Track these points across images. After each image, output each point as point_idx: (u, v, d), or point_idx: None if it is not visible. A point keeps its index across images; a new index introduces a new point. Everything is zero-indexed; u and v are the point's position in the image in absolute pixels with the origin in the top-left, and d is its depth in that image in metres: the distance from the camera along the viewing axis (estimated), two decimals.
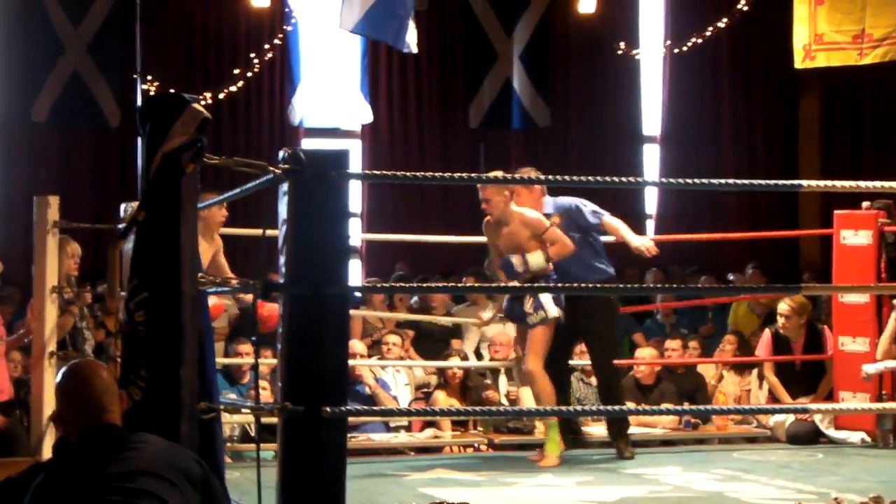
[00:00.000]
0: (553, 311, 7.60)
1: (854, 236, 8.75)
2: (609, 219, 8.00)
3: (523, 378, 8.05)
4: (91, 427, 3.45)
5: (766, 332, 9.27)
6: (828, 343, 9.05)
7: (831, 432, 8.71)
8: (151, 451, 3.40)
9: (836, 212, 8.97)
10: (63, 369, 3.59)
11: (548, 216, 7.71)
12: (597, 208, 7.99)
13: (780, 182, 5.11)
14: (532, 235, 7.63)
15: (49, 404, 7.10)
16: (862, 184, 4.97)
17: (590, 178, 4.82)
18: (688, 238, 12.21)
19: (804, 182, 5.13)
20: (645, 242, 7.99)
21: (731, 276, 13.34)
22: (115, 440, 3.44)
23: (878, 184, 5.13)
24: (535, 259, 7.61)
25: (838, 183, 4.99)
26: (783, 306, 9.06)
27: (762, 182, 5.07)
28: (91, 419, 3.46)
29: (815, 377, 9.07)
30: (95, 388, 3.49)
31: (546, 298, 7.63)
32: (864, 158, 15.36)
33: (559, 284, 7.65)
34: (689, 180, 4.97)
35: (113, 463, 3.37)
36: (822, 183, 5.12)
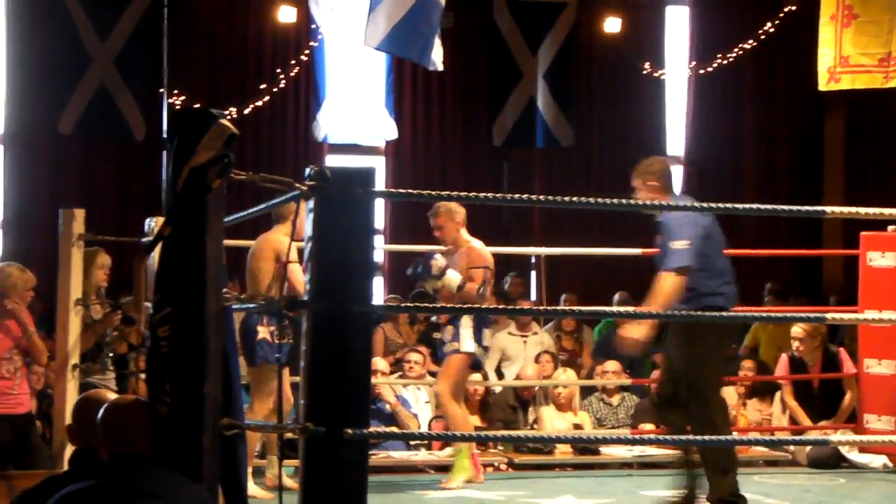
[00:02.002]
0: (468, 346, 7.66)
1: (881, 258, 8.74)
2: (666, 273, 6.56)
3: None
4: (119, 453, 3.79)
5: (783, 357, 9.28)
6: (844, 365, 9.05)
7: (853, 456, 8.68)
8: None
9: (862, 233, 8.96)
10: (106, 404, 3.94)
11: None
12: (682, 244, 6.52)
13: (804, 208, 5.05)
14: (467, 267, 7.68)
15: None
16: (886, 211, 4.95)
17: (612, 200, 4.81)
18: None
19: (828, 208, 5.07)
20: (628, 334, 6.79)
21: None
22: (141, 466, 3.78)
23: None
24: (453, 277, 7.62)
25: (862, 210, 4.95)
26: (797, 330, 9.06)
27: (785, 207, 5.01)
28: (120, 447, 3.81)
29: (833, 400, 9.06)
30: (126, 422, 3.85)
31: (465, 332, 7.66)
32: (889, 181, 15.30)
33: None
34: (711, 205, 4.96)
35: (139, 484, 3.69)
36: (846, 209, 5.07)
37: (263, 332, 7.46)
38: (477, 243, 7.85)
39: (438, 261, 7.67)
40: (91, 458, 3.96)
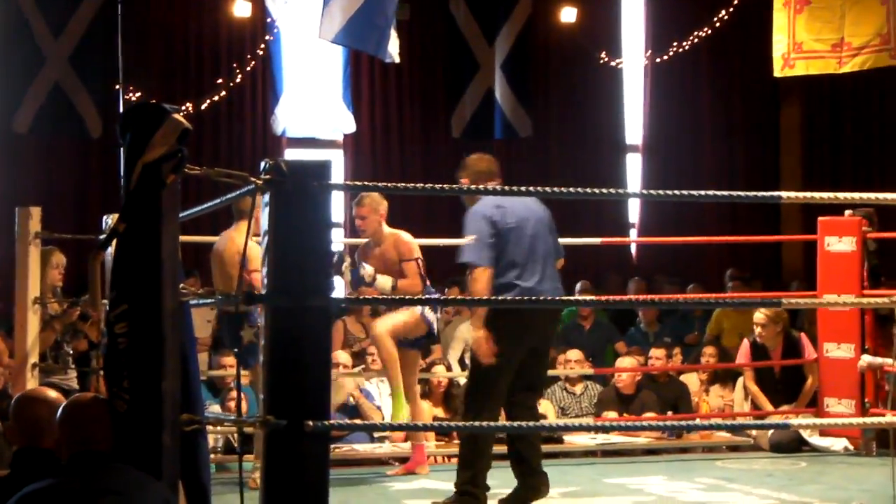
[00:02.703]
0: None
1: (838, 243, 8.79)
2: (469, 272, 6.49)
3: None
4: (80, 452, 3.78)
5: (745, 342, 9.32)
6: (805, 350, 9.10)
7: (814, 440, 8.74)
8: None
9: (819, 218, 9.01)
10: (66, 402, 3.94)
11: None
12: (468, 239, 6.49)
13: (760, 193, 5.10)
14: (398, 259, 7.62)
15: None
16: (841, 195, 4.99)
17: (571, 189, 4.83)
18: (671, 241, 12.23)
19: (783, 193, 5.12)
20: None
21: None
22: (102, 464, 3.76)
23: (857, 195, 5.13)
24: (384, 281, 7.56)
25: (817, 194, 5.00)
26: (759, 315, 9.10)
27: (742, 193, 5.05)
28: (80, 446, 3.79)
29: (794, 384, 9.12)
30: (86, 420, 3.84)
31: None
32: (846, 166, 15.42)
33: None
34: (670, 192, 4.98)
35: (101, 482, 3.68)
36: (801, 194, 5.12)
37: (248, 334, 7.34)
38: (405, 235, 7.75)
39: (367, 269, 7.58)
40: (34, 458, 3.93)
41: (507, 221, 6.50)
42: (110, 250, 4.13)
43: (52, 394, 4.16)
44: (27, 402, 4.12)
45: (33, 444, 3.96)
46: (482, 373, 6.46)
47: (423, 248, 7.96)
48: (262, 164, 4.10)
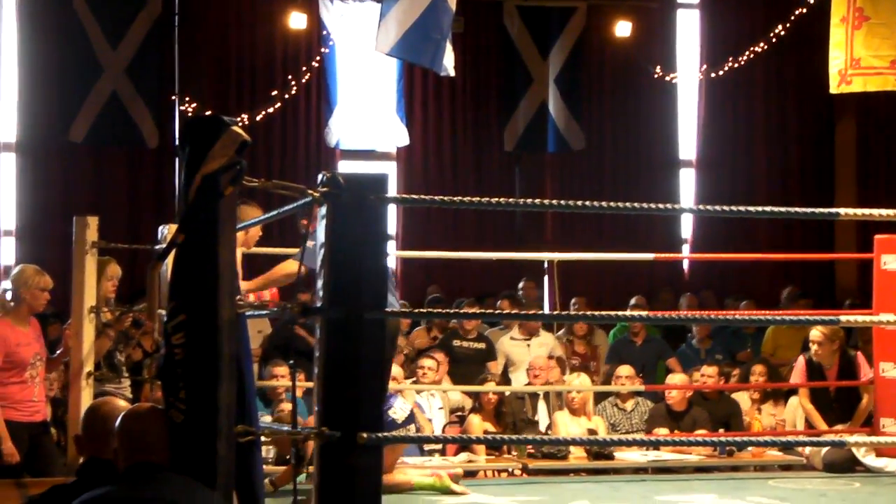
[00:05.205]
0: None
1: (895, 261, 8.70)
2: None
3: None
4: (137, 463, 3.77)
5: (800, 360, 9.23)
6: (861, 369, 9.00)
7: (869, 460, 8.63)
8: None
9: (876, 236, 8.92)
10: (123, 412, 3.93)
11: None
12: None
13: (817, 210, 5.03)
14: None
15: None
16: None
17: (623, 204, 4.81)
18: (725, 257, 12.11)
19: (841, 210, 5.05)
20: None
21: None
22: (156, 474, 3.77)
23: None
24: None
25: (876, 211, 4.93)
26: (815, 333, 9.00)
27: (798, 210, 4.99)
28: (138, 456, 3.79)
29: (850, 403, 9.02)
30: (147, 432, 3.83)
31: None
32: None
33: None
34: (724, 207, 4.93)
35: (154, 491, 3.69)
36: (859, 211, 5.05)
37: None
38: None
39: None
40: (99, 468, 3.94)
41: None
42: (168, 260, 4.15)
43: (124, 404, 4.16)
44: (97, 413, 4.12)
45: (101, 454, 3.96)
46: None
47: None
48: (320, 176, 4.10)
